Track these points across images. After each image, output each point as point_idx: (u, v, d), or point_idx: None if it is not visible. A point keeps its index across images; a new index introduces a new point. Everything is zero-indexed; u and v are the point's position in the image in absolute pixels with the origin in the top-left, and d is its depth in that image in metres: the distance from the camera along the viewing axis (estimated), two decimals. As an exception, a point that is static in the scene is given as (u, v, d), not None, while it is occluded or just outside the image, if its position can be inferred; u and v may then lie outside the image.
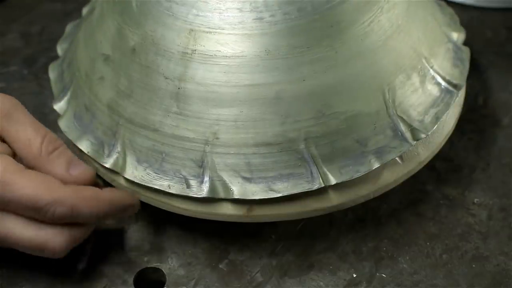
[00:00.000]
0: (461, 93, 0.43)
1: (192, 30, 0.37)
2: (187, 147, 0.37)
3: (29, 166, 0.36)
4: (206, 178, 0.37)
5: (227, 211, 0.37)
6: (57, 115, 0.42)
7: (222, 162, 0.37)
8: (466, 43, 0.45)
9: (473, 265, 0.39)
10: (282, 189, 0.36)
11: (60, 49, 0.48)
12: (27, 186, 0.34)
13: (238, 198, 0.37)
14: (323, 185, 0.36)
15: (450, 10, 0.48)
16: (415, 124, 0.38)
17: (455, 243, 0.40)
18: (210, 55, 0.37)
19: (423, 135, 0.38)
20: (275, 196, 0.36)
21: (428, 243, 0.40)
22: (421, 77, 0.40)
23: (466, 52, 0.44)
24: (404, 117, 0.38)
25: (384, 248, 0.40)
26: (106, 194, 0.36)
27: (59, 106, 0.43)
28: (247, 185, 0.37)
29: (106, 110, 0.39)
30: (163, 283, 0.38)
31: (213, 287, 0.38)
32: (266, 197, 0.36)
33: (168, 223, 0.41)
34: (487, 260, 0.39)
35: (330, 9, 0.37)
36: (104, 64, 0.40)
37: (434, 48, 0.41)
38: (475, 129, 0.46)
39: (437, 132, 0.40)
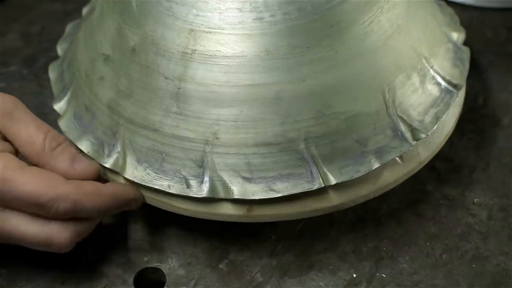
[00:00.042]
0: (461, 93, 0.43)
1: (192, 30, 0.37)
2: (187, 147, 0.37)
3: (33, 163, 0.36)
4: (206, 178, 0.37)
5: (227, 211, 0.37)
6: (57, 115, 0.42)
7: (222, 162, 0.37)
8: (466, 43, 0.45)
9: (473, 265, 0.39)
10: (282, 189, 0.36)
11: (60, 49, 0.48)
12: (29, 182, 0.34)
13: (238, 198, 0.36)
14: (323, 185, 0.36)
15: (450, 10, 0.48)
16: (415, 124, 0.38)
17: (455, 243, 0.40)
18: (210, 55, 0.37)
19: (423, 135, 0.38)
20: (275, 196, 0.36)
21: (428, 243, 0.40)
22: (421, 77, 0.40)
23: (466, 52, 0.44)
24: (404, 117, 0.38)
25: (384, 248, 0.40)
26: (108, 188, 0.36)
27: (59, 106, 0.43)
28: (247, 185, 0.37)
29: (106, 110, 0.39)
30: (163, 283, 0.38)
31: (213, 287, 0.38)
32: (266, 197, 0.36)
33: (168, 223, 0.41)
34: (487, 260, 0.39)
35: (330, 9, 0.37)
36: (104, 64, 0.40)
37: (434, 48, 0.41)
38: (475, 129, 0.46)
39: (437, 132, 0.40)
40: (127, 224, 0.41)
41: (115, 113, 0.39)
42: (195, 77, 0.37)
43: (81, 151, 0.40)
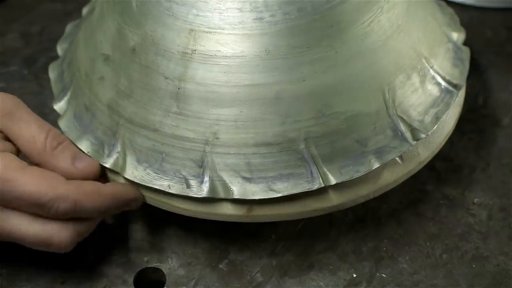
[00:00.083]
0: (461, 93, 0.43)
1: (192, 30, 0.37)
2: (187, 147, 0.37)
3: (34, 163, 0.36)
4: (206, 178, 0.37)
5: (227, 211, 0.37)
6: (57, 115, 0.42)
7: (222, 162, 0.37)
8: (466, 43, 0.45)
9: (473, 265, 0.39)
10: (282, 189, 0.36)
11: (60, 49, 0.48)
12: (29, 182, 0.34)
13: (238, 198, 0.36)
14: (323, 185, 0.36)
15: (450, 10, 0.48)
16: (415, 124, 0.38)
17: (455, 243, 0.40)
18: (210, 55, 0.37)
19: (423, 135, 0.38)
20: (275, 196, 0.36)
21: (428, 243, 0.40)
22: (421, 77, 0.40)
23: (466, 52, 0.44)
24: (404, 117, 0.38)
25: (384, 248, 0.40)
26: (108, 188, 0.37)
27: (59, 106, 0.43)
28: (247, 185, 0.37)
29: (106, 110, 0.39)
30: (163, 283, 0.38)
31: (213, 287, 0.38)
32: (266, 197, 0.36)
33: (168, 223, 0.41)
34: (487, 260, 0.39)
35: (330, 9, 0.37)
36: (104, 64, 0.40)
37: (434, 48, 0.41)
38: (475, 129, 0.46)
39: (437, 132, 0.40)
40: (127, 224, 0.41)
41: (115, 113, 0.39)
42: (195, 77, 0.37)
43: (81, 151, 0.40)
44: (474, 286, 0.38)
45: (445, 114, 0.40)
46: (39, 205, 0.34)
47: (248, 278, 0.38)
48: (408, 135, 0.38)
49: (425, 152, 0.40)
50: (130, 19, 0.39)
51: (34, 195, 0.34)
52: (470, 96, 0.47)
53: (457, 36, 0.44)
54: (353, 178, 0.37)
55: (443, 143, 0.41)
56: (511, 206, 0.41)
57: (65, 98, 0.43)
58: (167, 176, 0.37)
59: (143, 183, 0.37)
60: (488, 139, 0.45)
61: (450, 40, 0.43)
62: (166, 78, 0.37)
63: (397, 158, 0.38)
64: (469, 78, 0.43)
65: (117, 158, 0.38)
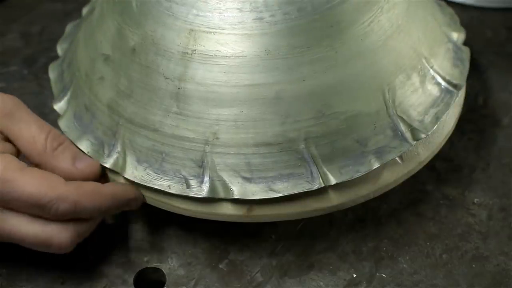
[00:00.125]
0: (461, 93, 0.43)
1: (192, 30, 0.37)
2: (187, 147, 0.37)
3: (34, 163, 0.36)
4: (206, 178, 0.37)
5: (227, 211, 0.37)
6: (57, 115, 0.42)
7: (222, 162, 0.37)
8: (466, 43, 0.45)
9: (473, 265, 0.39)
10: (282, 189, 0.36)
11: (60, 49, 0.48)
12: (29, 183, 0.34)
13: (238, 198, 0.36)
14: (323, 185, 0.36)
15: (450, 10, 0.48)
16: (415, 124, 0.38)
17: (455, 243, 0.40)
18: (210, 55, 0.37)
19: (423, 135, 0.38)
20: (275, 196, 0.36)
21: (428, 243, 0.40)
22: (421, 77, 0.40)
23: (466, 52, 0.44)
24: (404, 117, 0.38)
25: (384, 248, 0.40)
26: (108, 188, 0.37)
27: (59, 106, 0.43)
28: (247, 185, 0.37)
29: (106, 110, 0.39)
30: (163, 283, 0.38)
31: (213, 287, 0.38)
32: (266, 197, 0.36)
33: (168, 223, 0.41)
34: (487, 260, 0.39)
35: (330, 9, 0.37)
36: (104, 64, 0.40)
37: (434, 48, 0.41)
38: (475, 129, 0.46)
39: (437, 132, 0.40)
40: (127, 224, 0.41)
41: (115, 113, 0.39)
42: (195, 77, 0.37)
43: (81, 151, 0.40)
44: (474, 286, 0.38)
45: (445, 114, 0.40)
46: (39, 206, 0.34)
47: (248, 278, 0.38)
48: (408, 135, 0.38)
49: (425, 152, 0.40)
50: (130, 19, 0.39)
51: (33, 196, 0.34)
52: (470, 96, 0.47)
53: (457, 36, 0.44)
54: (353, 178, 0.37)
55: (443, 143, 0.41)
56: (511, 206, 0.41)
57: (65, 98, 0.43)
58: (167, 176, 0.37)
59: (143, 183, 0.37)
60: (488, 139, 0.45)
61: (450, 40, 0.43)
62: (166, 78, 0.37)
63: (397, 158, 0.38)
64: (469, 78, 0.43)
65: (117, 158, 0.38)
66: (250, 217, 0.37)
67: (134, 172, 0.38)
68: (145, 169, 0.38)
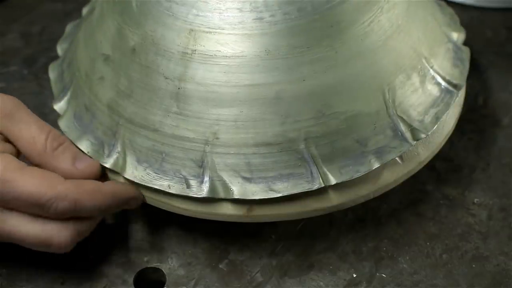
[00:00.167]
0: (461, 93, 0.43)
1: (192, 30, 0.37)
2: (187, 147, 0.37)
3: (34, 164, 0.36)
4: (206, 178, 0.37)
5: (227, 211, 0.37)
6: (57, 115, 0.42)
7: (222, 162, 0.37)
8: (466, 43, 0.45)
9: (473, 265, 0.39)
10: (282, 189, 0.36)
11: (60, 49, 0.48)
12: (28, 182, 0.34)
13: (238, 198, 0.36)
14: (323, 185, 0.36)
15: (450, 10, 0.48)
16: (415, 124, 0.38)
17: (455, 243, 0.40)
18: (210, 55, 0.37)
19: (423, 135, 0.38)
20: (275, 196, 0.36)
21: (428, 243, 0.40)
22: (421, 77, 0.40)
23: (466, 52, 0.44)
24: (404, 117, 0.38)
25: (384, 248, 0.40)
26: (108, 187, 0.37)
27: (59, 106, 0.43)
28: (247, 185, 0.37)
29: (106, 110, 0.39)
30: (163, 283, 0.38)
31: (213, 287, 0.38)
32: (266, 197, 0.36)
33: (168, 223, 0.41)
34: (487, 260, 0.39)
35: (330, 9, 0.37)
36: (104, 64, 0.40)
37: (434, 48, 0.41)
38: (475, 129, 0.46)
39: (437, 132, 0.40)
40: (127, 224, 0.41)
41: (115, 113, 0.39)
42: (195, 77, 0.37)
43: (81, 151, 0.40)
44: (474, 286, 0.38)
45: (445, 114, 0.40)
46: (39, 205, 0.34)
47: (248, 278, 0.38)
48: (408, 135, 0.38)
49: (425, 152, 0.40)
50: (130, 19, 0.39)
51: (33, 195, 0.34)
52: (470, 96, 0.47)
53: (457, 36, 0.44)
54: (353, 178, 0.37)
55: (443, 143, 0.41)
56: (511, 206, 0.41)
57: (65, 98, 0.43)
58: (167, 176, 0.37)
59: (143, 183, 0.37)
60: (488, 139, 0.45)
61: (450, 40, 0.43)
62: (166, 78, 0.37)
63: (397, 158, 0.38)
64: (469, 78, 0.43)
65: (117, 158, 0.38)
66: (250, 217, 0.37)
67: (134, 172, 0.38)
68: (145, 169, 0.38)
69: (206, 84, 0.37)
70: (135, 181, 0.38)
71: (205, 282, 0.38)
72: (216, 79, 0.37)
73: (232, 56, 0.36)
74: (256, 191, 0.36)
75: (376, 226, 0.41)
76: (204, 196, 0.37)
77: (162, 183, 0.37)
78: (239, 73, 0.36)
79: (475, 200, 0.42)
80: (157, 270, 0.39)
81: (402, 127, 0.38)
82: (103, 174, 0.39)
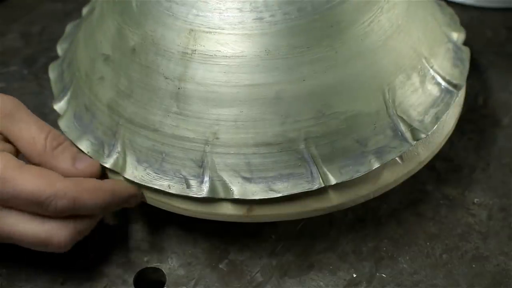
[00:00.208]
0: (461, 93, 0.43)
1: (192, 30, 0.37)
2: (187, 147, 0.37)
3: (34, 163, 0.36)
4: (206, 178, 0.37)
5: (227, 211, 0.37)
6: (57, 115, 0.42)
7: (222, 162, 0.37)
8: (466, 43, 0.45)
9: (473, 265, 0.39)
10: (282, 189, 0.36)
11: (60, 49, 0.48)
12: (27, 181, 0.34)
13: (238, 198, 0.36)
14: (323, 185, 0.36)
15: (450, 10, 0.48)
16: (415, 124, 0.38)
17: (455, 243, 0.40)
18: (210, 55, 0.37)
19: (423, 135, 0.38)
20: (275, 196, 0.36)
21: (428, 243, 0.40)
22: (421, 77, 0.40)
23: (466, 52, 0.44)
24: (404, 117, 0.38)
25: (384, 248, 0.40)
26: (107, 184, 0.36)
27: (59, 106, 0.43)
28: (247, 185, 0.37)
29: (106, 110, 0.39)
30: (163, 283, 0.38)
31: (213, 287, 0.38)
32: (266, 197, 0.36)
33: (168, 223, 0.41)
34: (487, 260, 0.39)
35: (330, 9, 0.37)
36: (104, 64, 0.40)
37: (434, 48, 0.41)
38: (475, 129, 0.46)
39: (437, 132, 0.40)
40: (127, 224, 0.41)
41: (115, 113, 0.39)
42: (195, 77, 0.37)
43: (81, 151, 0.40)
44: (474, 286, 0.38)
45: (445, 114, 0.40)
46: (38, 203, 0.34)
47: (248, 278, 0.38)
48: (408, 135, 0.38)
49: (425, 152, 0.40)
50: (130, 19, 0.39)
51: (32, 193, 0.33)
52: (470, 96, 0.47)
53: (457, 36, 0.44)
54: (353, 178, 0.37)
55: (443, 143, 0.41)
56: (511, 206, 0.41)
57: (65, 98, 0.43)
58: (167, 176, 0.37)
59: (143, 183, 0.37)
60: (488, 139, 0.45)
61: (450, 40, 0.43)
62: (166, 78, 0.37)
63: (397, 158, 0.38)
64: (469, 78, 0.43)
65: (117, 158, 0.38)
66: (250, 217, 0.37)
67: (134, 172, 0.38)
68: (145, 169, 0.38)
69: (206, 84, 0.37)
70: (135, 181, 0.38)
71: (205, 282, 0.38)
72: (216, 79, 0.37)
73: (232, 56, 0.36)
74: (256, 191, 0.36)
75: (376, 226, 0.41)
76: (204, 196, 0.37)
77: (162, 183, 0.37)
78: (239, 73, 0.36)
79: (475, 200, 0.42)
80: (157, 270, 0.39)
81: (402, 127, 0.38)
82: (102, 174, 0.39)
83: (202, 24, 0.37)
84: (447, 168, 0.44)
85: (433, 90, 0.40)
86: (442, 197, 0.42)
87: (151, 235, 0.40)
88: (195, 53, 0.37)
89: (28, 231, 0.34)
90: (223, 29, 0.37)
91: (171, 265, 0.39)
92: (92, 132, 0.40)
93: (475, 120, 0.46)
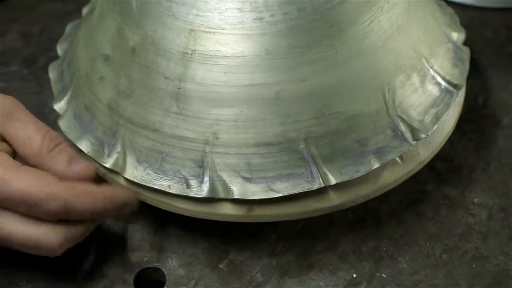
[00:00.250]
0: (461, 93, 0.43)
1: (192, 30, 0.37)
2: (187, 147, 0.37)
3: (30, 164, 0.36)
4: (206, 178, 0.37)
5: (227, 211, 0.37)
6: (57, 115, 0.42)
7: (222, 162, 0.37)
8: (466, 43, 0.45)
9: (473, 265, 0.39)
10: (282, 189, 0.36)
11: (60, 49, 0.48)
12: (21, 181, 0.33)
13: (238, 198, 0.37)
14: (323, 185, 0.36)
15: (450, 10, 0.48)
16: (415, 124, 0.38)
17: (455, 243, 0.40)
18: (210, 55, 0.37)
19: (423, 135, 0.38)
20: (275, 196, 0.36)
21: (428, 243, 0.40)
22: (421, 77, 0.40)
23: (466, 52, 0.44)
24: (404, 117, 0.38)
25: (384, 248, 0.40)
26: (102, 190, 0.35)
27: (59, 106, 0.43)
28: (247, 185, 0.37)
29: (106, 110, 0.39)
30: (163, 283, 0.38)
31: (213, 287, 0.38)
32: (266, 197, 0.36)
33: (168, 223, 0.41)
34: (487, 260, 0.39)
35: (330, 9, 0.37)
36: (104, 64, 0.40)
37: (434, 48, 0.41)
38: (475, 129, 0.46)
39: (437, 132, 0.40)
40: (127, 224, 0.41)
41: (115, 113, 0.39)
42: (195, 77, 0.37)
43: (81, 151, 0.40)
44: (474, 286, 0.38)
45: (445, 114, 0.40)
46: (31, 204, 0.33)
47: (248, 278, 0.38)
48: (408, 135, 0.38)
49: (425, 152, 0.40)
50: (130, 19, 0.39)
51: (25, 194, 0.33)
52: (470, 96, 0.47)
53: (457, 36, 0.44)
54: (353, 178, 0.37)
55: (443, 143, 0.41)
56: (511, 206, 0.41)
57: (65, 98, 0.43)
58: (167, 176, 0.37)
59: (143, 183, 0.37)
60: (488, 139, 0.45)
61: (450, 40, 0.43)
62: (166, 78, 0.37)
63: (397, 158, 0.38)
64: (469, 78, 0.43)
65: (117, 158, 0.38)
66: (250, 217, 0.37)
67: (134, 172, 0.38)
68: (145, 169, 0.38)
69: (206, 84, 0.37)
70: (135, 181, 0.38)
71: (205, 282, 0.38)
72: (216, 79, 0.37)
73: (232, 56, 0.36)
74: (256, 191, 0.36)
75: (376, 226, 0.41)
76: (204, 196, 0.37)
77: (162, 183, 0.37)
78: (239, 73, 0.36)
79: (475, 200, 0.42)
80: (157, 270, 0.39)
81: (402, 127, 0.38)
82: (100, 177, 0.38)
83: (202, 24, 0.37)
84: (447, 168, 0.44)
85: (433, 90, 0.40)
86: (442, 197, 0.42)
87: (151, 235, 0.40)
88: (195, 53, 0.37)
89: (19, 233, 0.34)
90: (223, 29, 0.37)
91: (171, 265, 0.39)
92: (92, 132, 0.40)
93: (475, 120, 0.46)
